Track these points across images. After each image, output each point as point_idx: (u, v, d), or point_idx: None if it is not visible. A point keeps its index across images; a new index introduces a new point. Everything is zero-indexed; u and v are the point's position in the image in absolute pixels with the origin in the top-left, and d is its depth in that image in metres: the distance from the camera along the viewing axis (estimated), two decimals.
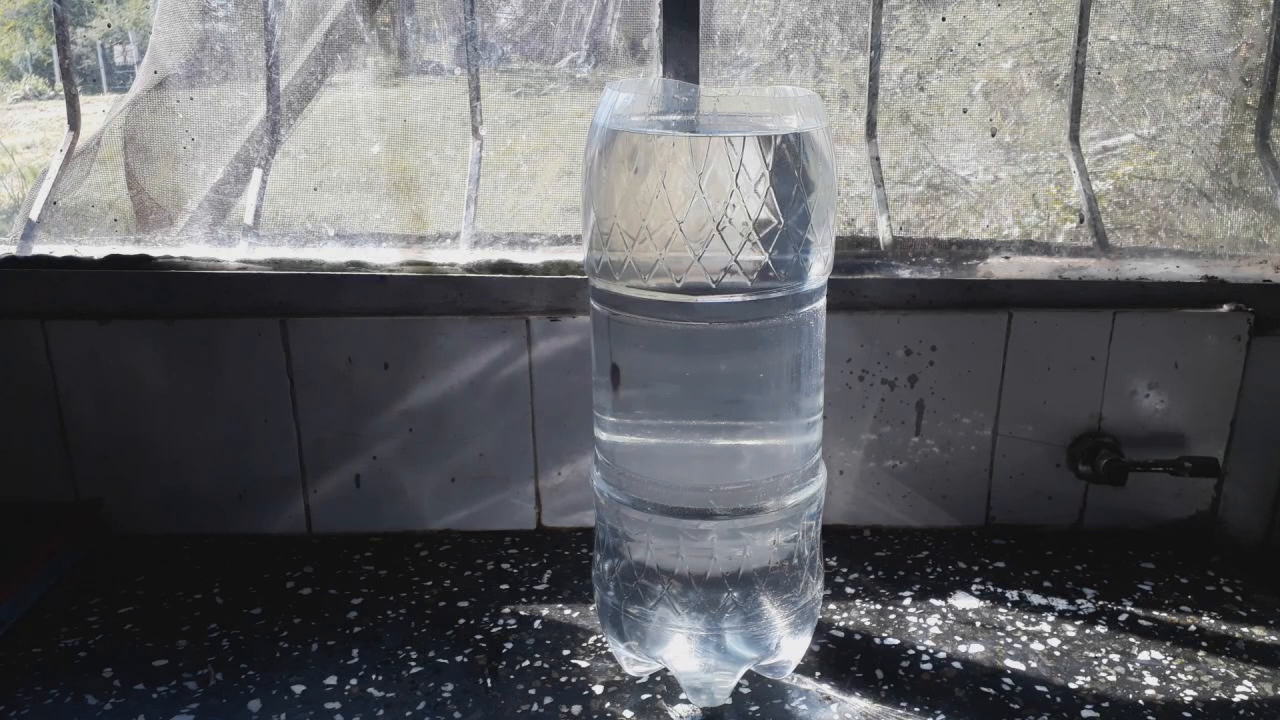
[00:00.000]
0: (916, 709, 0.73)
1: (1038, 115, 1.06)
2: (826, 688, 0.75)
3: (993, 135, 1.06)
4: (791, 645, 0.74)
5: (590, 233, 0.68)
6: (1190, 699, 0.74)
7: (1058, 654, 0.79)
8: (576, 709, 0.73)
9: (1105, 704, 0.73)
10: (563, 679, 0.76)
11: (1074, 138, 1.03)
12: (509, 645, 0.80)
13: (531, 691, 0.75)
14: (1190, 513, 0.97)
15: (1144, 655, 0.79)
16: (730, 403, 0.68)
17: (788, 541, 0.71)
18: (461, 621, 0.84)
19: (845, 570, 0.91)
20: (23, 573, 0.87)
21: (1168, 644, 0.81)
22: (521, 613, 0.85)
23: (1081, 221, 1.01)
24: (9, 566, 0.87)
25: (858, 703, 0.74)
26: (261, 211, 0.99)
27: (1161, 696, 0.74)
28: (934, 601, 0.86)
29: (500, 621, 0.83)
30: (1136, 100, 1.06)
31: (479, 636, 0.82)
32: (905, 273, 0.95)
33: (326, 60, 1.03)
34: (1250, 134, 1.04)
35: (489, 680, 0.76)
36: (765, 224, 0.63)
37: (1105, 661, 0.78)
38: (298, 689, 0.75)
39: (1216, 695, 0.74)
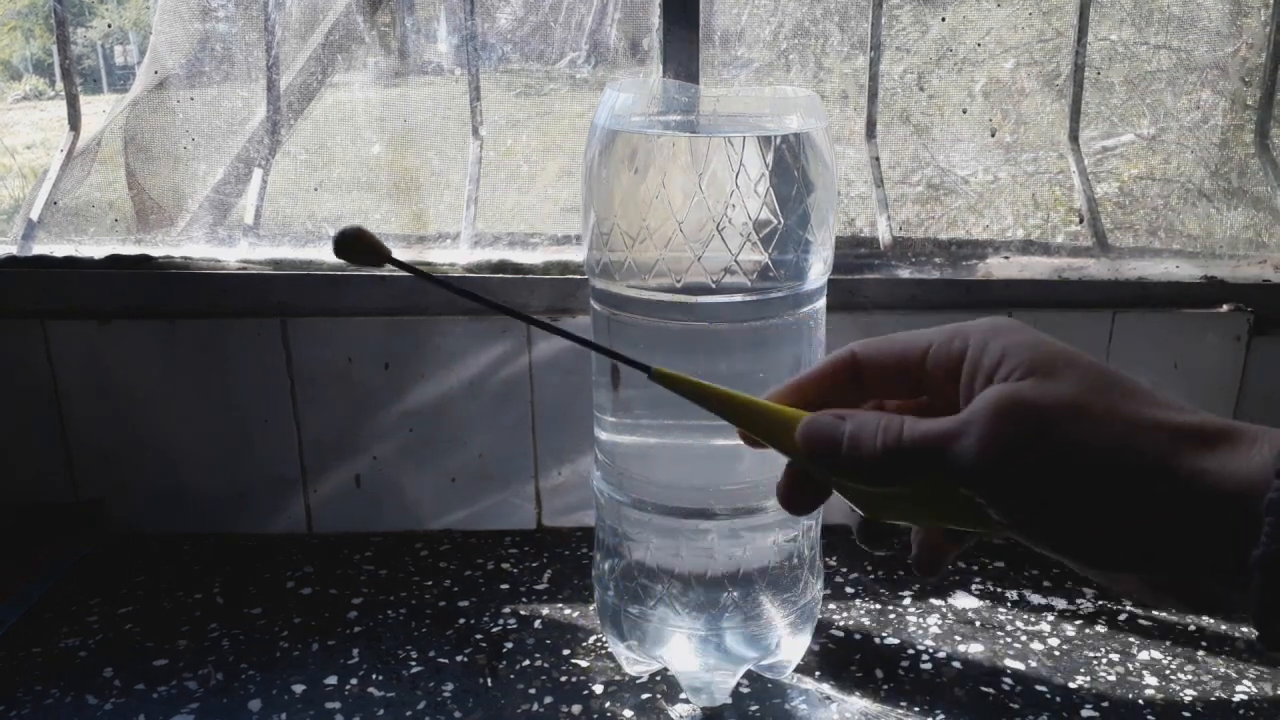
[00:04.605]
0: (916, 708, 0.73)
1: (1038, 115, 1.06)
2: (826, 687, 0.75)
3: (993, 135, 1.06)
4: (791, 645, 0.74)
5: (590, 233, 0.68)
6: (1190, 699, 0.74)
7: (1057, 653, 0.79)
8: (576, 709, 0.73)
9: (1105, 704, 0.73)
10: (563, 679, 0.76)
11: (1074, 138, 1.03)
12: (509, 645, 0.80)
13: (531, 691, 0.75)
14: None
15: (1144, 655, 0.79)
16: None
17: (788, 541, 0.71)
18: (461, 621, 0.84)
19: (845, 570, 0.91)
20: (23, 573, 0.87)
21: (1167, 644, 0.81)
22: (521, 612, 0.85)
23: (1081, 221, 1.01)
24: (9, 566, 0.87)
25: (858, 702, 0.74)
26: (262, 211, 0.99)
27: (1161, 696, 0.74)
28: (934, 601, 0.86)
29: (500, 621, 0.84)
30: (1136, 100, 1.06)
31: (479, 636, 0.82)
32: (905, 273, 0.95)
33: (327, 60, 1.03)
34: (1250, 134, 1.04)
35: (489, 680, 0.76)
36: (765, 224, 0.63)
37: (1105, 661, 0.78)
38: (298, 689, 0.75)
39: (1216, 695, 0.74)
